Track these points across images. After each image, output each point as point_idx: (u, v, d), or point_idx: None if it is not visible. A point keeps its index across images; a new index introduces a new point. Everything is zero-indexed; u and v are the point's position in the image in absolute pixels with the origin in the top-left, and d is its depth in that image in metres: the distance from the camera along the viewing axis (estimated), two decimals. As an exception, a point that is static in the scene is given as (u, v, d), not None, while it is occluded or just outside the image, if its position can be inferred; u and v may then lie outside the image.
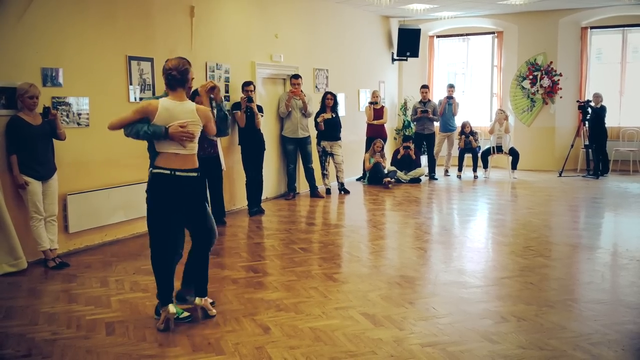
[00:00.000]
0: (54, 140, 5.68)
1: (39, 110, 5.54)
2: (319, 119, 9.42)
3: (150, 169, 3.98)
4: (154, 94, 7.00)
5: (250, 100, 7.85)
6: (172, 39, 7.27)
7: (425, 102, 11.36)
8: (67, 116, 6.05)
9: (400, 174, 10.78)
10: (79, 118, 6.20)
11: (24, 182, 5.40)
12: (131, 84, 6.74)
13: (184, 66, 3.95)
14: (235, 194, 8.47)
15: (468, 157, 11.62)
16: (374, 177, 10.55)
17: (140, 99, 6.84)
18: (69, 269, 5.55)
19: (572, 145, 11.51)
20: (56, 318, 4.25)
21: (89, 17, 6.25)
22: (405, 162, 10.93)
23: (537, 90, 12.32)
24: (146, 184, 4.07)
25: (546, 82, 12.18)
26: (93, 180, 6.37)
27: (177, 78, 3.93)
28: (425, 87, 11.61)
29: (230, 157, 8.21)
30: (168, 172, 3.89)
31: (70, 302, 4.60)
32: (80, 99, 6.19)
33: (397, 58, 13.00)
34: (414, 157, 10.98)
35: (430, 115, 11.21)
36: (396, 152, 11.20)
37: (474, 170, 11.51)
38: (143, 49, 6.88)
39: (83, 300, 4.65)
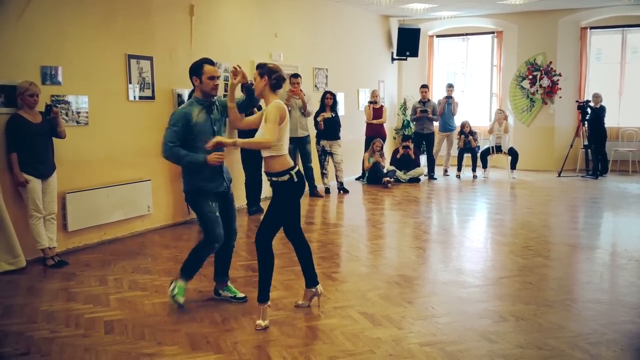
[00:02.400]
0: (53, 138, 5.68)
1: (40, 108, 5.54)
2: (318, 118, 9.42)
3: (288, 173, 3.97)
4: (153, 92, 7.00)
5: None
6: (172, 37, 7.27)
7: (424, 101, 11.36)
8: (67, 114, 6.05)
9: (399, 173, 10.78)
10: (78, 116, 6.20)
11: (24, 180, 5.40)
12: (130, 82, 6.74)
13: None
14: (235, 193, 8.41)
15: (467, 156, 11.62)
16: (373, 176, 10.55)
17: (140, 97, 6.86)
18: (68, 267, 5.55)
19: (571, 145, 11.51)
20: (55, 316, 4.25)
21: (89, 16, 6.25)
22: (404, 162, 10.93)
23: (537, 90, 12.32)
24: (281, 188, 4.04)
25: (545, 82, 12.18)
26: (92, 178, 6.37)
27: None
28: (424, 86, 11.59)
29: (230, 156, 8.20)
30: (297, 168, 4.08)
31: (68, 301, 4.60)
32: (79, 98, 6.19)
33: (397, 57, 13.00)
34: (413, 156, 10.98)
35: (430, 115, 11.20)
36: (395, 151, 11.20)
37: (473, 170, 11.50)
38: (142, 48, 6.88)
39: (82, 298, 4.65)
